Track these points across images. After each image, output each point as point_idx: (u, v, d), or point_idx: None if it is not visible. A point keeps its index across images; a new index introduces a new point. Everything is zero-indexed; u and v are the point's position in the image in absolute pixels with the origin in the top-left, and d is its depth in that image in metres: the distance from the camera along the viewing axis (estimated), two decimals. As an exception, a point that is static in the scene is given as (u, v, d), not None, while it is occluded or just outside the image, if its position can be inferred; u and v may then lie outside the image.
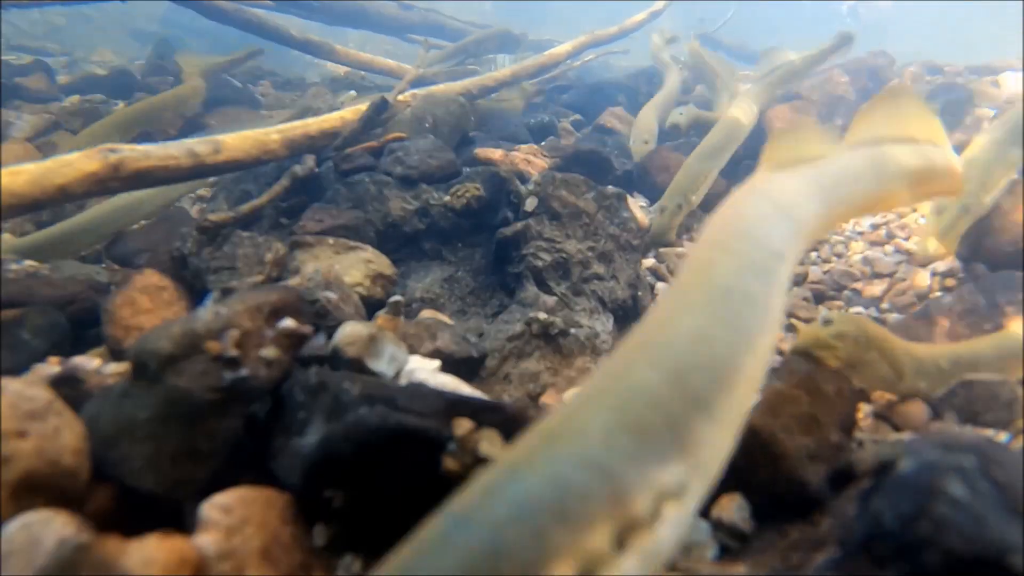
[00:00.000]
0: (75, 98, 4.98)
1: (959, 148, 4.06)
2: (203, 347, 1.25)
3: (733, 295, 0.95)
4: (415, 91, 3.86)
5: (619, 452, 0.64)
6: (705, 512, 1.31)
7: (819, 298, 2.81)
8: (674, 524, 0.66)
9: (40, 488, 1.11)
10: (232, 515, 1.13)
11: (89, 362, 1.85)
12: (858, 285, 2.79)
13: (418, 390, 1.30)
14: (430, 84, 4.27)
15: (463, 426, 1.18)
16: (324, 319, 1.83)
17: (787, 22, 19.32)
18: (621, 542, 0.62)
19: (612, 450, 0.64)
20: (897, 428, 1.79)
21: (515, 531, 0.60)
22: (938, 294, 2.54)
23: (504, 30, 7.50)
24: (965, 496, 0.96)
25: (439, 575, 0.63)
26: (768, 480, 1.26)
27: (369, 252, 2.41)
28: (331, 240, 2.40)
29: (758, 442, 1.26)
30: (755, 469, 1.27)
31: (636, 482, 0.63)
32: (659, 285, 2.89)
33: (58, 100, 5.10)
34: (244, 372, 1.26)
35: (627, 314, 2.52)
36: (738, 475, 1.30)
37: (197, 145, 2.67)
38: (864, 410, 1.86)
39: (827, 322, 1.62)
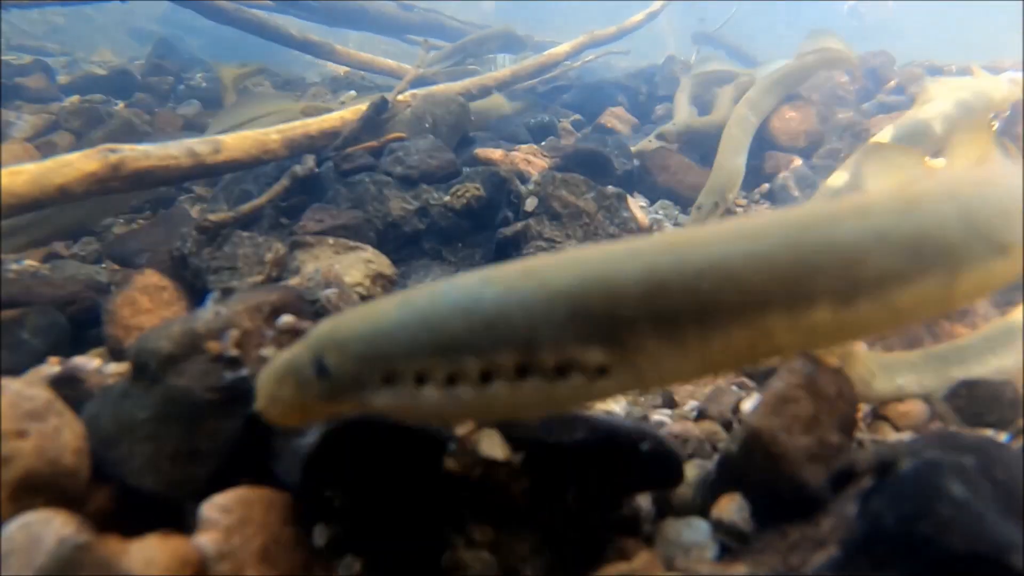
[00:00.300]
0: (75, 98, 4.97)
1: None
2: (203, 347, 1.25)
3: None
4: (415, 91, 3.86)
5: (549, 320, 0.80)
6: (705, 512, 1.31)
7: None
8: (574, 388, 0.82)
9: (40, 488, 1.11)
10: (232, 515, 1.12)
11: (89, 362, 1.85)
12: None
13: (418, 390, 1.30)
14: (430, 84, 4.27)
15: (463, 426, 1.18)
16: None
17: (787, 22, 19.31)
18: (522, 374, 0.81)
19: (546, 317, 0.80)
20: (897, 428, 1.80)
21: (460, 320, 0.81)
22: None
23: (507, 30, 7.48)
24: (965, 496, 0.96)
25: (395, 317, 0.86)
26: (768, 480, 1.26)
27: (369, 252, 2.41)
28: (331, 240, 2.40)
29: (759, 443, 1.25)
30: (755, 469, 1.27)
31: (547, 343, 0.80)
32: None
33: (58, 100, 5.10)
34: (244, 372, 1.25)
35: (627, 314, 2.52)
36: (738, 475, 1.30)
37: (197, 145, 2.67)
38: (863, 410, 1.86)
39: None
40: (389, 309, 0.89)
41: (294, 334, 1.35)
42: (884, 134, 3.23)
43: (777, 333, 0.87)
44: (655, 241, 0.89)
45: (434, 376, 0.83)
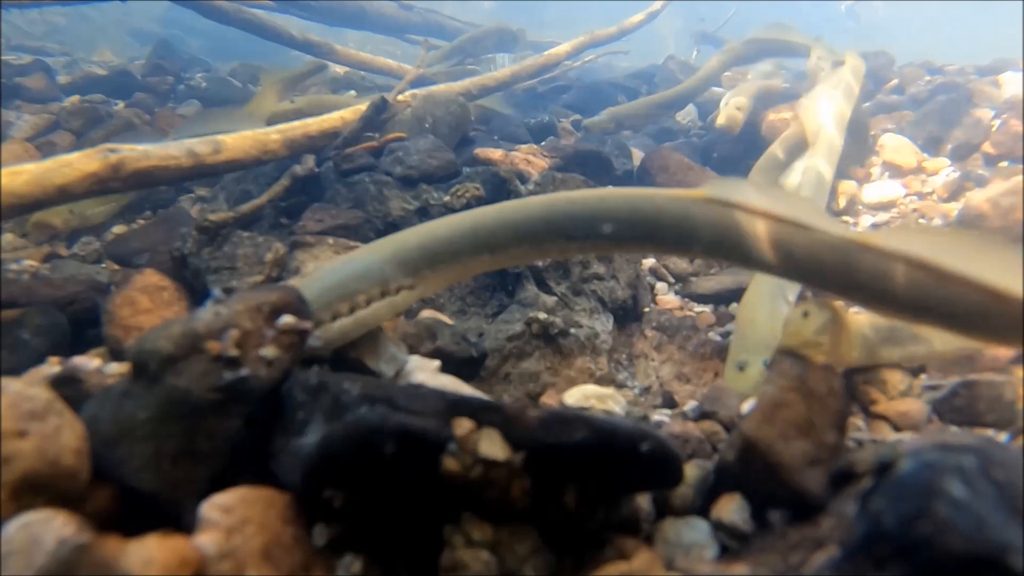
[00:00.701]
0: (75, 98, 4.97)
1: (960, 148, 4.03)
2: (203, 347, 1.25)
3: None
4: (415, 91, 3.86)
5: (387, 269, 1.62)
6: (705, 512, 1.31)
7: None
8: (403, 297, 1.64)
9: (40, 488, 1.11)
10: (232, 515, 1.13)
11: (89, 362, 1.85)
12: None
13: (418, 390, 1.30)
14: (430, 84, 4.27)
15: (463, 426, 1.18)
16: (324, 319, 1.83)
17: (786, 21, 19.28)
18: (383, 296, 1.61)
19: (387, 267, 1.62)
20: (897, 428, 1.80)
21: (352, 278, 1.59)
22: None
23: (501, 27, 7.44)
24: (965, 496, 0.96)
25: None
26: (768, 487, 1.25)
27: (369, 252, 2.41)
28: (331, 240, 2.40)
29: (756, 452, 1.24)
30: (755, 479, 1.26)
31: (391, 279, 1.62)
32: (659, 285, 2.88)
33: (58, 100, 5.09)
34: (244, 372, 1.26)
35: (627, 314, 2.52)
36: (738, 483, 1.29)
37: (197, 145, 2.67)
38: (861, 410, 1.86)
39: (805, 315, 1.55)
40: (312, 281, 1.58)
41: (294, 334, 1.35)
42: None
43: (473, 267, 1.69)
44: (433, 224, 1.71)
45: (342, 311, 1.55)
